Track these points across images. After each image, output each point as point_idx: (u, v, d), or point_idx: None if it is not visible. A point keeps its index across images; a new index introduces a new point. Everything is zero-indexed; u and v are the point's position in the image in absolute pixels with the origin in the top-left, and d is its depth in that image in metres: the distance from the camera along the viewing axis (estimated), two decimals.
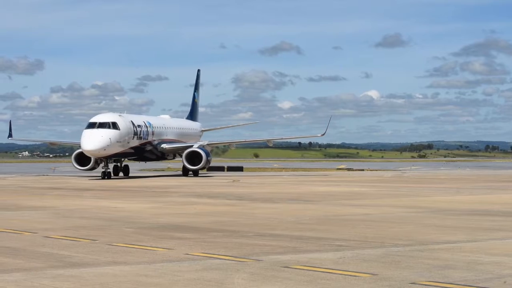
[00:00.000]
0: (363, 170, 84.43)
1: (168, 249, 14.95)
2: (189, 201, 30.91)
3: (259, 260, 13.33)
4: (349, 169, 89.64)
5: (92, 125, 56.83)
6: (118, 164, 64.02)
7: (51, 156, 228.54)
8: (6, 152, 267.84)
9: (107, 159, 57.90)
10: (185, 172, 64.35)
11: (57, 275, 11.92)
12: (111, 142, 56.61)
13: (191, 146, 63.21)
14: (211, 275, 11.79)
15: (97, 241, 16.30)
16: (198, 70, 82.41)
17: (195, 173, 63.48)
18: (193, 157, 61.18)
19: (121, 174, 64.02)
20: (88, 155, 57.54)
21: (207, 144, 66.30)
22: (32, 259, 13.71)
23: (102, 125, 57.01)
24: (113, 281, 11.32)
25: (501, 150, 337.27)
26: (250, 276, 11.73)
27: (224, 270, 12.28)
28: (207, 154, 61.77)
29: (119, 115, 59.60)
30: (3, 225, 20.13)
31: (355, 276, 11.69)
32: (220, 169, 79.86)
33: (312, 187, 42.73)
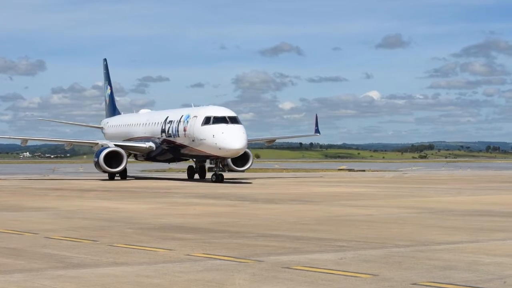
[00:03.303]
0: (364, 170, 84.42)
1: (169, 249, 14.94)
2: (191, 202, 30.89)
3: (260, 261, 13.32)
4: (350, 170, 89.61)
5: (221, 120, 48.88)
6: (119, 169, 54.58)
7: (52, 156, 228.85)
8: (7, 153, 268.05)
9: (222, 160, 50.52)
10: (192, 173, 59.29)
11: (58, 276, 11.92)
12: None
13: None
14: (212, 276, 11.79)
15: (98, 242, 16.30)
16: (104, 59, 73.12)
17: (202, 175, 57.64)
18: (238, 157, 52.41)
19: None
20: (229, 155, 49.33)
21: None
22: (33, 260, 13.71)
23: (232, 119, 49.18)
24: (114, 282, 11.32)
25: (502, 150, 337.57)
26: (251, 276, 11.73)
27: (225, 270, 12.28)
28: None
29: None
30: (5, 226, 20.12)
31: (356, 276, 11.69)
32: None
33: (313, 188, 42.70)
